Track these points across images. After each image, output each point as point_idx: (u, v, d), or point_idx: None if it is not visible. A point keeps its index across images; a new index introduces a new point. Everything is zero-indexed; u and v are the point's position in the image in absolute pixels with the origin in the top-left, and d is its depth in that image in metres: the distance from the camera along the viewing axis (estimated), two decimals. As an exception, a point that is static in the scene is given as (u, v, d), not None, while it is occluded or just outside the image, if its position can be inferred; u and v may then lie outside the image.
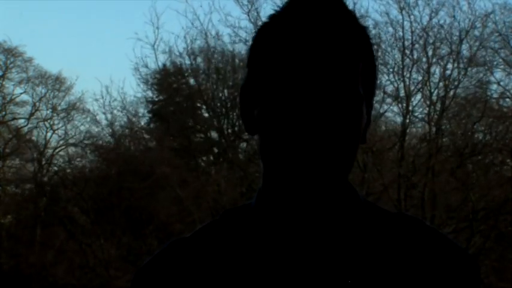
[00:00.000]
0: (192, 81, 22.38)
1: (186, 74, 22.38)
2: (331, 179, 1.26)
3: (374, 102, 1.40)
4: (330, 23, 1.26)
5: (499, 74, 19.61)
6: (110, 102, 23.68)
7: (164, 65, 22.14)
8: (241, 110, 1.36)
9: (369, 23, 17.30)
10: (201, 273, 1.30)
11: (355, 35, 1.28)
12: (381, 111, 18.08)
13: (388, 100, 18.22)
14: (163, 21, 34.17)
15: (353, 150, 1.27)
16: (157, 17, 24.62)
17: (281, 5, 1.32)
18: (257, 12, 18.30)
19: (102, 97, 21.75)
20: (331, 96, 1.23)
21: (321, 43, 1.24)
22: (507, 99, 19.66)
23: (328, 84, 1.23)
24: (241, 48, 19.96)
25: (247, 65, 1.34)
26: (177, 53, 21.52)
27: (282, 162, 1.25)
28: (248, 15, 18.20)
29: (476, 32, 18.35)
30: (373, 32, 17.33)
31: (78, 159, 23.53)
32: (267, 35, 1.30)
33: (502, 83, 19.41)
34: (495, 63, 19.20)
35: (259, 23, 1.36)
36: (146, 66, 24.60)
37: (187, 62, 21.68)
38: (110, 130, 22.20)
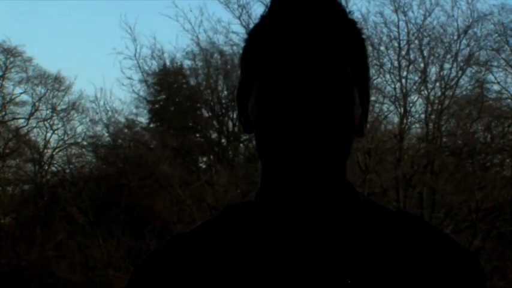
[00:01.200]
0: (192, 81, 22.38)
1: (186, 74, 22.38)
2: (326, 165, 1.25)
3: (371, 100, 1.40)
4: (316, 16, 1.28)
5: (498, 74, 19.56)
6: (107, 102, 23.62)
7: (164, 65, 22.13)
8: (239, 111, 1.37)
9: (366, 23, 17.30)
10: (200, 270, 1.30)
11: (341, 25, 1.29)
12: (380, 113, 18.08)
13: (386, 101, 18.24)
14: (158, 24, 33.93)
15: (347, 137, 1.26)
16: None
17: (268, 5, 1.34)
18: (248, 16, 18.35)
19: (97, 99, 21.76)
20: (320, 83, 1.23)
21: (306, 34, 1.26)
22: (507, 99, 19.65)
23: (315, 71, 1.24)
24: (236, 50, 20.03)
25: (240, 65, 1.37)
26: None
27: (276, 153, 1.25)
28: (239, 19, 18.24)
29: (475, 32, 18.37)
30: (370, 32, 17.34)
31: (78, 159, 23.53)
32: (257, 33, 1.33)
33: (501, 83, 19.41)
34: (495, 63, 19.20)
35: (251, 26, 1.39)
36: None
37: (187, 63, 21.70)
38: (109, 130, 22.20)
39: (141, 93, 22.63)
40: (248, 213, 1.34)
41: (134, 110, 22.87)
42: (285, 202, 1.29)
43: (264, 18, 1.33)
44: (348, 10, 1.32)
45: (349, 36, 1.30)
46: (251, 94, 1.31)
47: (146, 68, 21.54)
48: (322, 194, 1.28)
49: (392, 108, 18.59)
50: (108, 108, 21.87)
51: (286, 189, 1.28)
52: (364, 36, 1.34)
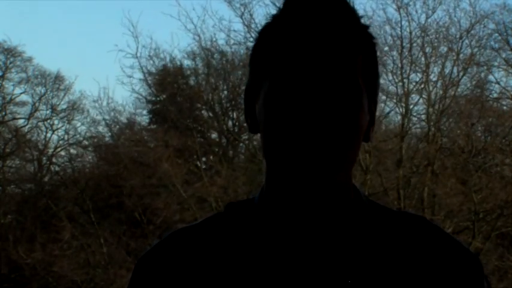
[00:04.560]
0: (192, 81, 22.35)
1: (186, 74, 22.35)
2: (332, 171, 1.25)
3: (378, 102, 1.39)
4: (329, 19, 1.27)
5: (498, 74, 19.56)
6: (108, 102, 23.53)
7: (164, 66, 22.09)
8: (245, 110, 1.37)
9: (371, 22, 17.25)
10: (201, 265, 1.31)
11: (353, 30, 1.29)
12: (382, 112, 18.03)
13: (389, 101, 18.20)
14: (157, 25, 34.00)
15: (353, 144, 1.26)
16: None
17: (281, 5, 1.33)
18: (250, 15, 18.36)
19: (100, 99, 21.70)
20: (329, 88, 1.23)
21: (318, 38, 1.25)
22: (507, 99, 19.64)
23: (326, 76, 1.24)
24: (237, 49, 19.99)
25: (249, 65, 1.35)
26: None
27: (283, 156, 1.25)
28: (241, 18, 18.25)
29: (477, 32, 18.35)
30: (373, 31, 17.28)
31: (79, 159, 23.52)
32: (268, 33, 1.32)
33: (501, 83, 19.41)
34: (495, 63, 19.19)
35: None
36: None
37: (187, 63, 21.67)
38: (110, 130, 22.19)
39: (142, 92, 22.62)
40: (252, 211, 1.35)
41: (134, 110, 22.87)
42: (289, 202, 1.30)
43: (276, 17, 1.33)
44: (360, 15, 1.32)
45: (362, 42, 1.30)
46: (259, 94, 1.31)
47: (149, 67, 21.50)
48: (326, 196, 1.28)
49: (393, 107, 18.58)
50: (109, 108, 21.86)
51: (290, 190, 1.29)
52: (375, 41, 1.34)
